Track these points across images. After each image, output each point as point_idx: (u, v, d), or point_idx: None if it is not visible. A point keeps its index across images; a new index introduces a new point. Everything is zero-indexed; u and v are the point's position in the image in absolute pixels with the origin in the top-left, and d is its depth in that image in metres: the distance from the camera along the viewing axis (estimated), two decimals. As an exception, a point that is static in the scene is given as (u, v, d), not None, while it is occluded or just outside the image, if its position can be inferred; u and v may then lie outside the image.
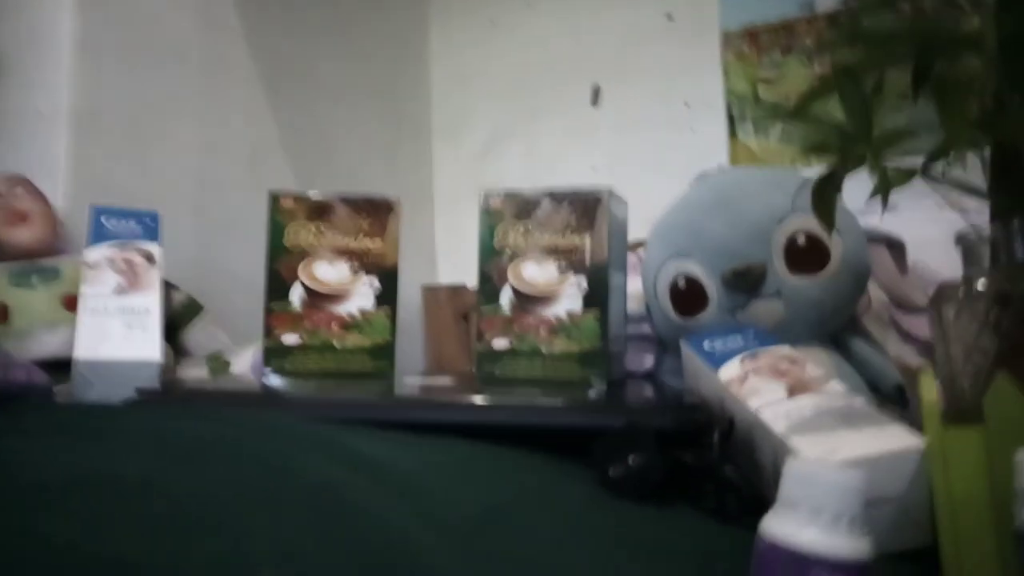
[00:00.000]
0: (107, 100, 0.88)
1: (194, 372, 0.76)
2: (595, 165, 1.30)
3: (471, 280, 0.82)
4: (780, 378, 0.52)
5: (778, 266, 0.67)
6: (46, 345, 0.73)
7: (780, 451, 0.44)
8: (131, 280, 0.70)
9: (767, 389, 0.51)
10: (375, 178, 1.38)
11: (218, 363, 0.76)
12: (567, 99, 1.34)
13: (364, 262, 0.71)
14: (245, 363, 0.78)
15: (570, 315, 0.67)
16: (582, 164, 1.30)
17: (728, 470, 0.45)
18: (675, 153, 1.20)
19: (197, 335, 0.83)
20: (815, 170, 0.43)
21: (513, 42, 1.43)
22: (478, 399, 0.56)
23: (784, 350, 0.55)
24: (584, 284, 0.67)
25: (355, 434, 0.44)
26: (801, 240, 0.67)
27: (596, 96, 1.34)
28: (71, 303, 0.73)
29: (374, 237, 0.72)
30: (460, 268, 1.36)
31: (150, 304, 0.69)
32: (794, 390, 0.50)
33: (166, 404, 0.58)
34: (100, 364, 0.64)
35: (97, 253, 0.70)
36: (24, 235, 0.74)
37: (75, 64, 0.84)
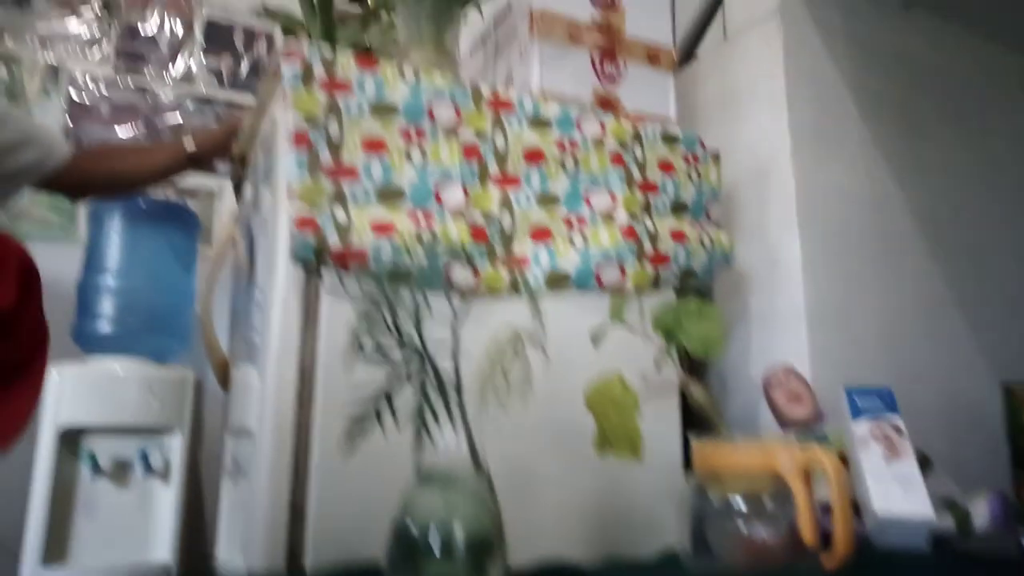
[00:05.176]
0: (821, 297, 1.18)
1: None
2: None
3: None
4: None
5: None
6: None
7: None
8: (891, 449, 0.95)
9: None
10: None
11: (959, 512, 0.95)
12: None
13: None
14: (982, 513, 0.96)
15: None
16: None
17: None
18: None
19: (930, 485, 1.03)
20: None
21: None
22: None
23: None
24: None
25: None
26: None
27: None
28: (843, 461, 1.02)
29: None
30: None
31: (911, 469, 0.93)
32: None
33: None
34: (892, 518, 0.90)
35: (861, 428, 0.97)
36: (799, 411, 1.06)
37: (803, 274, 1.17)
